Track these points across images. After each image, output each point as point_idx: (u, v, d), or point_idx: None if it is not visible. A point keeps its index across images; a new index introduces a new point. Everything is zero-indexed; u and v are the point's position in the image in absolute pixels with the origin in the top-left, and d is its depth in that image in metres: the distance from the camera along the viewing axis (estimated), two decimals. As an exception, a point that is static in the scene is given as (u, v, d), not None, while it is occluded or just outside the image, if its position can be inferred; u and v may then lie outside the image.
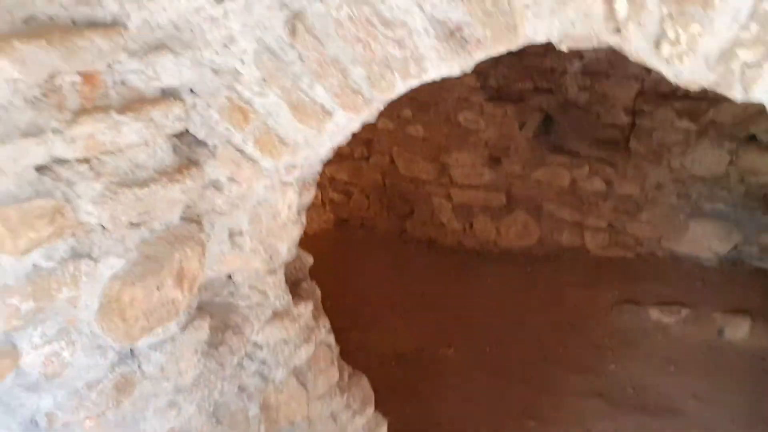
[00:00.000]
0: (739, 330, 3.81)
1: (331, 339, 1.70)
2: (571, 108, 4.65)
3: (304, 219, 1.57)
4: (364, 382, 1.88)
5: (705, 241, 4.33)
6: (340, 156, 5.48)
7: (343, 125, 1.26)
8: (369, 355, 4.07)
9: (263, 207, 1.33)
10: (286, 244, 1.46)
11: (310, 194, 1.56)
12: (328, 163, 5.58)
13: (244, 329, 1.39)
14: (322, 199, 5.80)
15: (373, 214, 5.56)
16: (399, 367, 3.95)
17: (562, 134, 4.73)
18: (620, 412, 3.48)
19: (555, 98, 4.68)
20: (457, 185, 5.06)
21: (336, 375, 1.68)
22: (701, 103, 4.13)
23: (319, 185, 5.86)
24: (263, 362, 1.45)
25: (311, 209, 5.71)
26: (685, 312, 4.00)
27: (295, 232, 1.48)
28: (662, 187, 4.39)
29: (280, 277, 1.48)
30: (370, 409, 1.86)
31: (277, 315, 1.47)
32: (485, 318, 4.35)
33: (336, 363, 1.71)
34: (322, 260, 5.50)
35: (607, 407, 3.53)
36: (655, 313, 4.07)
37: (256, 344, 1.44)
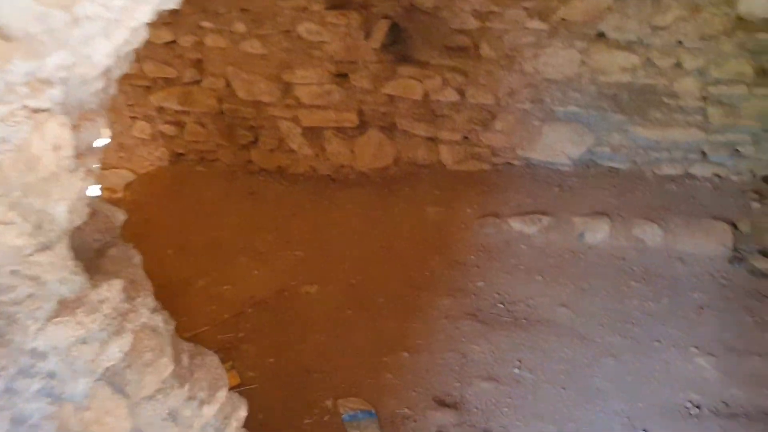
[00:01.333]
0: (598, 232, 3.81)
1: (158, 319, 1.27)
2: (418, 14, 4.31)
3: (94, 162, 1.10)
4: (212, 361, 1.48)
5: (559, 146, 4.27)
6: (165, 81, 4.80)
7: (118, 5, 0.80)
8: (221, 306, 3.65)
9: (3, 152, 0.85)
10: (63, 203, 0.99)
11: (98, 126, 1.08)
12: (152, 90, 4.85)
13: (11, 335, 0.93)
14: (152, 133, 5.10)
15: (212, 146, 4.97)
16: (257, 315, 3.57)
17: (411, 43, 4.39)
18: (493, 330, 3.37)
19: (400, 4, 4.29)
20: (305, 106, 4.60)
21: (170, 365, 1.27)
22: (552, 2, 3.95)
23: (147, 117, 5.18)
24: (51, 376, 1.00)
25: (140, 145, 4.96)
26: (546, 220, 3.94)
27: (77, 184, 1.01)
28: (515, 93, 4.23)
29: (62, 251, 1.01)
30: (223, 392, 1.48)
31: (64, 306, 1.02)
32: (347, 249, 4.05)
33: (170, 348, 1.29)
34: (158, 204, 4.90)
35: (480, 326, 3.40)
36: (516, 224, 3.98)
37: (36, 353, 0.98)
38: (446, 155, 4.52)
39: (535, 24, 4.03)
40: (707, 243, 3.69)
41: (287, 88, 4.57)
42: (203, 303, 3.68)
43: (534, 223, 3.94)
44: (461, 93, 4.30)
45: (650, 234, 3.76)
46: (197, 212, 4.53)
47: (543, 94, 4.18)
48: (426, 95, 4.36)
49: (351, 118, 4.56)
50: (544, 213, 4.00)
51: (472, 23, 4.20)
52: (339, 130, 4.62)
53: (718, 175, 4.11)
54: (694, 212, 3.91)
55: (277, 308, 3.63)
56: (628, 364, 3.10)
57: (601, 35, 4.00)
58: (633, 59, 3.96)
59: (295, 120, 4.65)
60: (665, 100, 4.03)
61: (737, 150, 4.04)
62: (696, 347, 3.14)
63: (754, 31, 3.74)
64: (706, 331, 3.25)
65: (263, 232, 4.26)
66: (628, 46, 3.96)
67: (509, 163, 4.43)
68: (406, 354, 3.27)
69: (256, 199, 4.65)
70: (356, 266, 3.89)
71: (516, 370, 3.12)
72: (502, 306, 3.53)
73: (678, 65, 3.93)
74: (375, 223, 4.26)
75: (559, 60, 4.07)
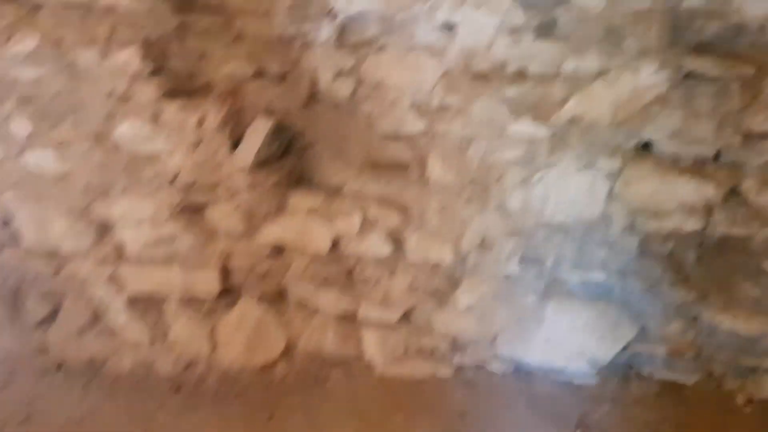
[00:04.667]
0: None
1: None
2: (325, 108, 2.51)
3: None
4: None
5: (574, 342, 2.36)
6: None
7: None
8: None
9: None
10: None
11: None
12: None
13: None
14: None
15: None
16: None
17: (312, 156, 2.56)
18: None
19: (294, 91, 2.51)
20: (131, 260, 2.68)
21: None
22: (551, 87, 2.18)
23: None
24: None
25: None
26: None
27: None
28: (491, 245, 2.38)
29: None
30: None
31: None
32: None
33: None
34: None
35: None
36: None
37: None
38: (374, 347, 2.57)
39: (525, 127, 2.25)
40: None
41: (103, 228, 2.66)
42: None
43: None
44: (397, 241, 2.44)
45: None
46: None
47: (542, 249, 2.34)
48: (337, 243, 2.48)
49: (209, 282, 2.63)
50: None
51: (415, 124, 2.40)
52: (189, 301, 2.68)
53: None
54: None
55: None
56: None
57: (646, 147, 2.22)
58: (707, 190, 2.17)
59: (115, 282, 2.71)
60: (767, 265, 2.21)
61: None
62: None
63: None
64: None
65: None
66: (697, 168, 2.18)
67: (483, 368, 2.50)
68: None
69: (42, 419, 2.61)
70: None
71: None
72: None
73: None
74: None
75: (569, 190, 2.26)
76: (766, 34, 2.12)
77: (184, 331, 2.70)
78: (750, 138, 2.15)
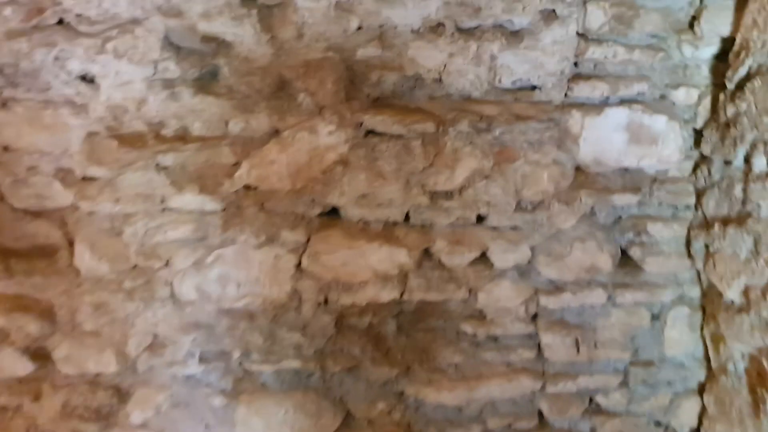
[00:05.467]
0: None
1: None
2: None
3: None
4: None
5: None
6: None
7: None
8: None
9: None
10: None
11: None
12: None
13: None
14: None
15: None
16: None
17: None
18: None
19: None
20: None
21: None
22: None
23: None
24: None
25: None
26: None
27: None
28: (162, 346, 1.95)
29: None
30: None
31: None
32: None
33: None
34: None
35: None
36: None
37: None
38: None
39: (191, 200, 1.87)
40: None
41: None
42: None
43: None
44: (40, 354, 1.89)
45: None
46: None
47: (226, 340, 1.96)
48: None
49: None
50: None
51: (62, 196, 1.89)
52: None
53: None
54: None
55: None
56: None
57: (332, 214, 1.97)
58: (400, 255, 1.97)
59: None
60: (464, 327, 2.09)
61: None
62: None
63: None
64: None
65: None
66: (388, 232, 1.98)
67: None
68: None
69: None
70: None
71: None
72: None
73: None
74: None
75: (250, 270, 1.92)
76: (443, 86, 1.99)
77: None
78: (436, 197, 2.01)
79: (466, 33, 1.97)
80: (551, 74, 2.00)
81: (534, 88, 2.02)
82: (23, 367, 1.88)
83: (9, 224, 1.93)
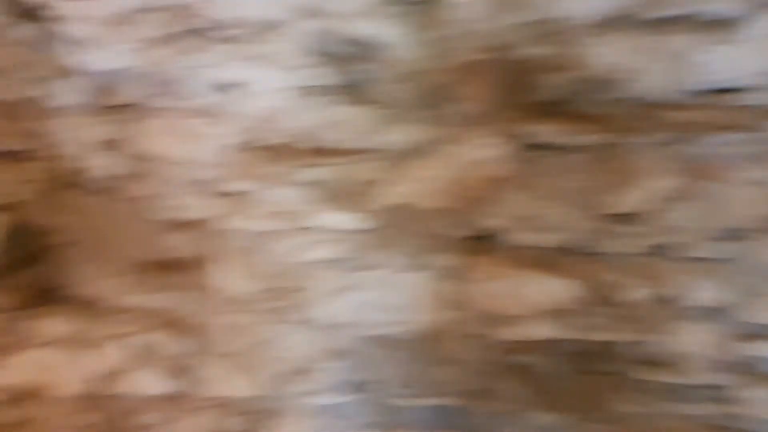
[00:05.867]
0: None
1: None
2: (80, 194, 1.89)
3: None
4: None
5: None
6: None
7: None
8: None
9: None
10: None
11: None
12: None
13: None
14: None
15: None
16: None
17: (64, 261, 1.92)
18: None
19: (35, 174, 1.86)
20: None
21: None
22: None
23: None
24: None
25: None
26: None
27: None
28: (299, 372, 1.83)
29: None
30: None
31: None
32: None
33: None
34: None
35: None
36: None
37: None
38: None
39: (334, 218, 1.73)
40: None
41: None
42: None
43: None
44: (180, 373, 1.84)
45: None
46: None
47: (367, 370, 1.80)
48: (98, 381, 1.85)
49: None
50: None
51: (199, 210, 1.82)
52: None
53: None
54: None
55: None
56: None
57: (487, 238, 1.75)
58: (566, 288, 1.72)
59: None
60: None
61: None
62: None
63: None
64: None
65: None
66: (552, 260, 1.72)
67: None
68: None
69: None
70: None
71: None
72: None
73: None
74: None
75: (395, 296, 1.75)
76: (624, 89, 1.68)
77: None
78: (613, 221, 1.71)
79: (654, 25, 1.65)
80: (762, 74, 1.63)
81: (740, 90, 1.66)
82: (163, 385, 1.83)
83: (146, 237, 1.89)
